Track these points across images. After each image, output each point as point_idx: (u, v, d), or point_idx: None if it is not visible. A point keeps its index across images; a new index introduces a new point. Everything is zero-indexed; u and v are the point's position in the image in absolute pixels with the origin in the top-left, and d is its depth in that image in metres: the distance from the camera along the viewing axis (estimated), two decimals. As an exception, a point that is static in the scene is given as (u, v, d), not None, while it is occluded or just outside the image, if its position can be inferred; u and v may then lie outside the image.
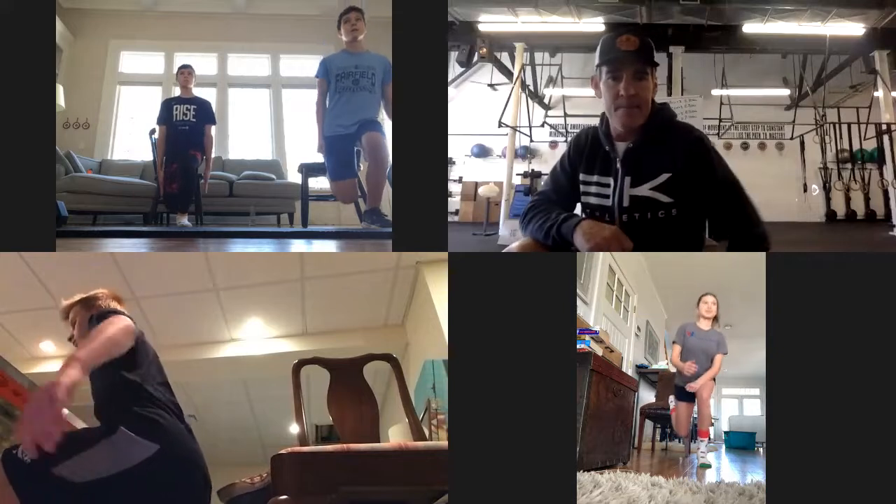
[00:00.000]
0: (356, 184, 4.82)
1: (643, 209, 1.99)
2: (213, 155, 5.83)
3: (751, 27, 7.07)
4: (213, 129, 5.77)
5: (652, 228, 1.99)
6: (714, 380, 4.27)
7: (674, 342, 4.41)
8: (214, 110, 5.97)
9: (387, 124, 4.75)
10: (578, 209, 2.15)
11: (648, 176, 1.98)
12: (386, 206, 6.65)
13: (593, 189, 2.08)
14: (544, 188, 2.21)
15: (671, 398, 4.48)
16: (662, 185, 1.97)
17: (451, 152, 9.83)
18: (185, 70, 5.71)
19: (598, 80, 2.02)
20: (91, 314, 1.99)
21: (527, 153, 10.05)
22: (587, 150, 2.09)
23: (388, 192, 5.83)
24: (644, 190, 1.98)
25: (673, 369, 4.54)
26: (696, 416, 4.42)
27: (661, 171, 1.96)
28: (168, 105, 5.67)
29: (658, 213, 1.98)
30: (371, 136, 4.56)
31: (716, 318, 4.30)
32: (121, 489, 1.67)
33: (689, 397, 4.29)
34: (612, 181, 2.03)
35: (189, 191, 5.61)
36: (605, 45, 1.99)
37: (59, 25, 7.22)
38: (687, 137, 1.98)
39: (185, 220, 5.54)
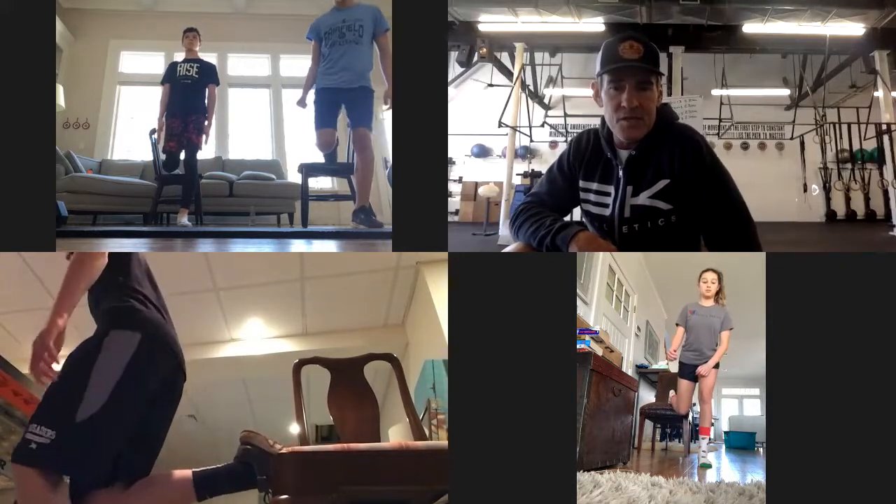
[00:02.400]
0: (333, 134, 4.85)
1: (643, 219, 1.93)
2: (213, 116, 5.71)
3: (751, 27, 7.08)
4: (216, 91, 5.72)
5: (652, 237, 1.94)
6: (717, 367, 4.22)
7: (676, 324, 4.36)
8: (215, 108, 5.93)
9: (378, 87, 4.71)
10: (576, 213, 2.10)
11: (648, 183, 1.91)
12: (386, 206, 6.66)
13: (592, 197, 2.02)
14: (537, 189, 2.12)
15: (671, 393, 4.46)
16: (661, 192, 1.90)
17: (451, 152, 9.83)
18: (191, 33, 5.69)
19: (598, 88, 1.92)
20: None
21: (527, 153, 10.06)
22: (588, 156, 2.01)
23: (388, 192, 5.82)
24: (643, 198, 1.92)
25: (674, 370, 4.54)
26: (696, 415, 4.42)
27: (660, 178, 1.90)
28: (173, 65, 5.67)
29: (658, 220, 1.92)
30: (358, 133, 4.58)
31: (719, 293, 4.23)
32: (127, 388, 1.79)
33: (692, 376, 4.26)
34: (612, 190, 1.97)
35: (190, 188, 5.60)
36: (607, 52, 1.89)
37: (59, 25, 7.22)
38: (684, 143, 1.89)
39: (185, 220, 5.54)
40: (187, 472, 1.90)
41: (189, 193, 5.60)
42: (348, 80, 4.62)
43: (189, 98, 5.53)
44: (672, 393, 4.44)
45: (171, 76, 5.60)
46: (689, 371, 4.25)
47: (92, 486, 1.79)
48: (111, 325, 1.86)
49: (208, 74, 5.63)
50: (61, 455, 1.70)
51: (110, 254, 1.96)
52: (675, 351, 4.29)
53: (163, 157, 5.69)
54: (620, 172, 1.95)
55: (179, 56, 5.89)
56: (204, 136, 5.60)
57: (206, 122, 5.58)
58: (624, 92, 1.85)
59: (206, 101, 5.59)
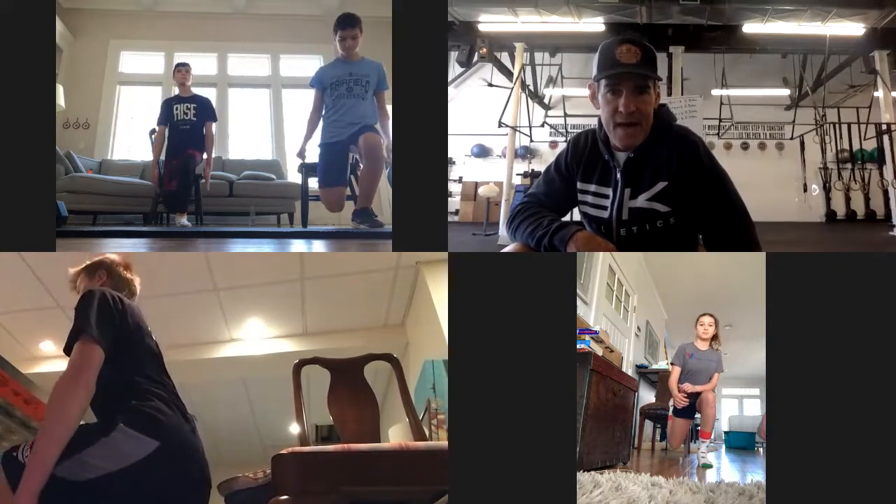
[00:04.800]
0: (343, 193, 4.83)
1: (641, 221, 1.93)
2: (213, 153, 5.81)
3: (751, 27, 7.08)
4: (214, 127, 5.76)
5: (650, 240, 1.94)
6: (714, 391, 4.32)
7: (672, 364, 4.44)
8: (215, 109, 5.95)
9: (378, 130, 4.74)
10: (574, 214, 2.10)
11: (646, 186, 1.91)
12: (386, 206, 6.66)
13: (590, 199, 2.01)
14: (535, 190, 2.11)
15: (671, 401, 4.48)
16: (659, 194, 1.90)
17: (451, 152, 9.83)
18: (182, 68, 5.68)
19: (595, 91, 1.92)
20: (91, 287, 1.95)
21: (527, 153, 10.06)
22: (586, 157, 2.01)
23: (388, 192, 5.82)
24: (641, 201, 1.92)
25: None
26: (697, 418, 4.43)
27: (658, 180, 1.90)
28: (168, 105, 5.66)
29: (656, 223, 1.92)
30: (368, 137, 4.57)
31: (715, 337, 4.35)
32: (120, 486, 1.67)
33: (688, 414, 4.34)
34: (610, 192, 1.97)
35: (187, 190, 5.61)
36: (604, 56, 1.88)
37: (59, 25, 7.21)
38: (682, 144, 1.89)
39: (185, 220, 5.54)
40: None
41: (184, 199, 5.60)
42: (356, 130, 4.61)
43: (188, 141, 5.58)
44: (672, 406, 4.48)
45: (167, 118, 5.61)
46: (684, 410, 4.34)
47: None
48: (128, 421, 1.71)
49: (205, 113, 5.65)
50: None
51: (116, 346, 1.77)
52: (680, 391, 4.36)
53: (156, 168, 5.70)
54: (618, 175, 1.95)
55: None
56: (206, 168, 5.65)
57: (205, 160, 5.64)
58: (621, 97, 1.85)
59: (205, 141, 5.63)
